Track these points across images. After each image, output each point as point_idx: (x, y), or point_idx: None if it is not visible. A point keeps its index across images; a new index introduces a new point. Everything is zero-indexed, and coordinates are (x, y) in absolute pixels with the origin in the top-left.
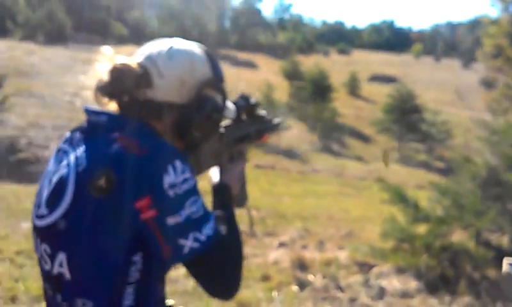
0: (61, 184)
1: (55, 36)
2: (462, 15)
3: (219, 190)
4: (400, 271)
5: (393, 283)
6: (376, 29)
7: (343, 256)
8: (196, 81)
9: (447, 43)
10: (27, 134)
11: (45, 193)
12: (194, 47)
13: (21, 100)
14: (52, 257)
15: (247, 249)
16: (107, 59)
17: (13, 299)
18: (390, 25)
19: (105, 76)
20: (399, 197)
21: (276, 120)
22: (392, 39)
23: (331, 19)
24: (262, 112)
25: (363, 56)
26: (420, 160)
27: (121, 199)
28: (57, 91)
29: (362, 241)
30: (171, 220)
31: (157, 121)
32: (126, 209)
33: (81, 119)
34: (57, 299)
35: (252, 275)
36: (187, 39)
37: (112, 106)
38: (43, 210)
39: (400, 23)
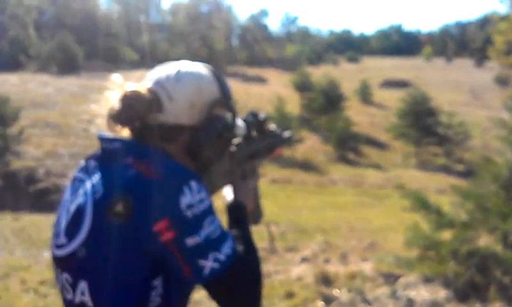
0: (79, 213)
1: (67, 66)
2: (471, 13)
3: (234, 209)
4: (427, 280)
5: (422, 293)
6: (384, 34)
7: (367, 268)
8: (205, 102)
9: (457, 43)
10: (44, 164)
11: (63, 222)
12: (201, 68)
13: (37, 130)
14: (74, 286)
15: (269, 266)
16: (117, 86)
17: None
18: (398, 29)
19: (116, 104)
20: (421, 203)
21: (287, 133)
22: (401, 43)
23: (338, 28)
24: (272, 126)
25: (373, 63)
26: (439, 164)
27: (140, 223)
28: (72, 120)
29: (386, 251)
30: (191, 241)
31: (169, 143)
32: (145, 232)
33: (97, 146)
34: None
35: (276, 292)
36: (196, 59)
37: (125, 132)
38: (62, 240)
39: (409, 26)
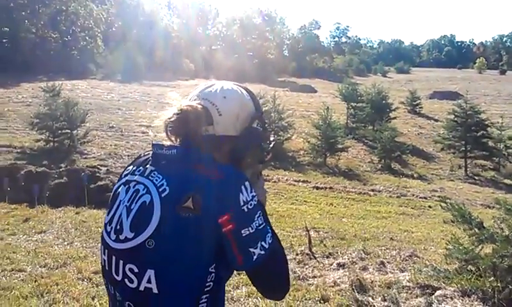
0: (145, 209)
1: (130, 75)
2: None
3: None
4: (465, 294)
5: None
6: (435, 44)
7: (404, 278)
8: (247, 116)
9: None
10: (106, 163)
11: (126, 219)
12: (238, 87)
13: (101, 132)
14: (140, 275)
15: (306, 270)
16: (174, 102)
17: None
18: (450, 39)
19: (173, 117)
20: (462, 217)
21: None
22: (453, 54)
23: (388, 38)
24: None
25: (423, 73)
26: (488, 177)
27: (207, 217)
28: (133, 124)
29: (425, 263)
30: (245, 232)
31: (216, 151)
32: (211, 224)
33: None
34: None
35: (311, 296)
36: (248, 69)
37: (179, 141)
38: (127, 234)
39: (461, 37)
